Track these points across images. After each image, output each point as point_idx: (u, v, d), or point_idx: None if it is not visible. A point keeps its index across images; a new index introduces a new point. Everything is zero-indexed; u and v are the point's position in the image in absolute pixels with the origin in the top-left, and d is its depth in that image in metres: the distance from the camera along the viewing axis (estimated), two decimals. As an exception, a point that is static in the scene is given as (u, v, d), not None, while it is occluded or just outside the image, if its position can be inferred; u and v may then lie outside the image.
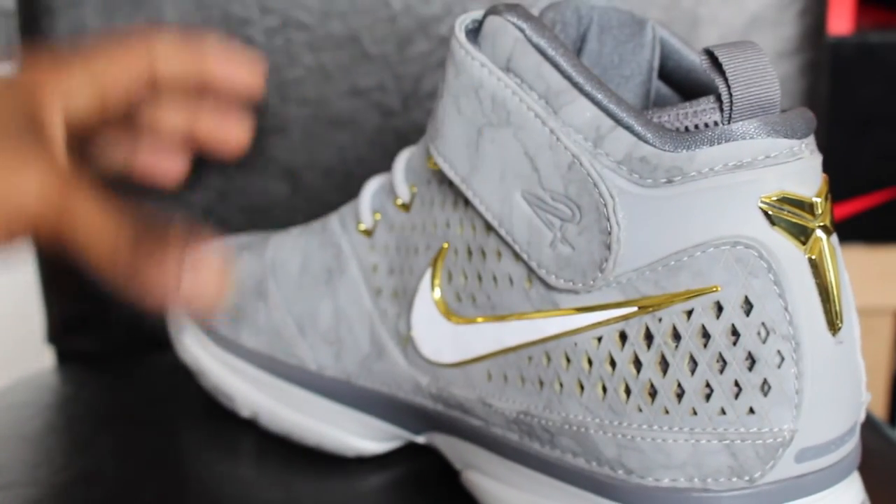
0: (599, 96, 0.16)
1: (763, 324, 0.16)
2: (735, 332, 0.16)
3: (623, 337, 0.16)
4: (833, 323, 0.16)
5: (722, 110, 0.16)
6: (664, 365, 0.16)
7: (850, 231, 0.42)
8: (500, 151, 0.17)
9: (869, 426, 0.21)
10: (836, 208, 0.43)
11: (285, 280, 0.22)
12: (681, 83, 0.19)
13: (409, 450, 0.22)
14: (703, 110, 0.16)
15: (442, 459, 0.21)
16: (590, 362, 0.17)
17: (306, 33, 0.27)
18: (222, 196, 0.28)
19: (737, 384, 0.16)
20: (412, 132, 0.27)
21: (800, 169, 0.16)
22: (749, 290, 0.16)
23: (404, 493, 0.21)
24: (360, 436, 0.21)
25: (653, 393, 0.16)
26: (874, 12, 0.48)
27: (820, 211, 0.16)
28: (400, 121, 0.27)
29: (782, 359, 0.16)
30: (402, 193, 0.20)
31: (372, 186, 0.21)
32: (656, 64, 0.19)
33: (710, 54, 0.15)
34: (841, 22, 0.44)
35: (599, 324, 0.16)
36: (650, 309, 0.16)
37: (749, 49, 0.15)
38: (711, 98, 0.16)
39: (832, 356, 0.16)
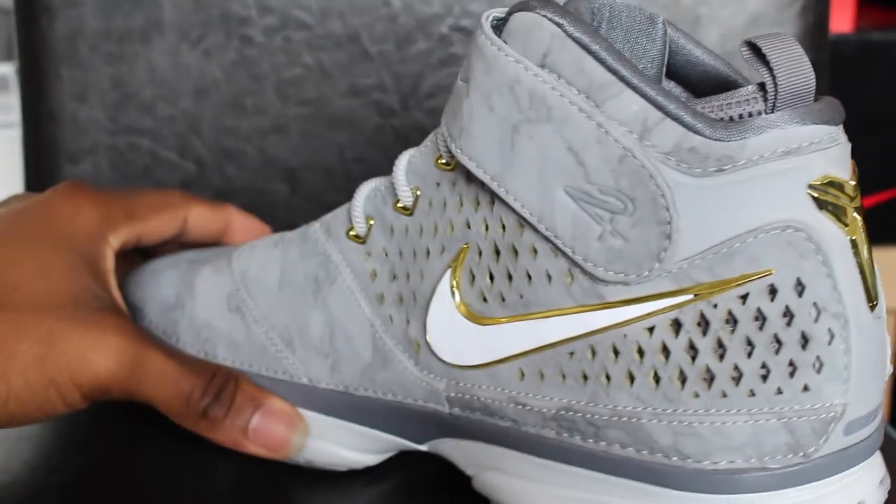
0: (647, 89, 0.16)
1: (815, 304, 0.16)
2: (789, 313, 0.16)
3: (677, 325, 0.17)
4: (871, 298, 0.17)
5: (766, 99, 0.16)
6: (721, 350, 0.17)
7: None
8: (540, 148, 0.17)
9: None
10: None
11: (263, 293, 0.21)
12: (688, 78, 0.19)
13: (398, 459, 0.21)
14: (746, 100, 0.16)
15: (434, 468, 0.21)
16: (641, 353, 0.17)
17: (306, 32, 0.27)
18: (222, 196, 0.28)
19: (791, 363, 0.16)
20: (411, 131, 0.27)
21: (840, 154, 0.16)
22: (801, 272, 0.16)
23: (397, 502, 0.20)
24: (353, 449, 0.21)
25: (709, 378, 0.17)
26: (874, 12, 0.49)
27: (854, 193, 0.17)
28: (399, 120, 0.27)
29: (832, 336, 0.16)
30: (403, 196, 0.19)
31: (364, 191, 0.20)
32: (666, 59, 0.19)
33: (752, 45, 0.16)
34: (841, 22, 0.45)
35: (651, 314, 0.17)
36: (705, 296, 0.16)
37: (787, 40, 0.16)
38: (751, 88, 0.16)
39: (871, 330, 0.17)
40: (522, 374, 0.18)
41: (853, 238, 0.16)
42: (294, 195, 0.28)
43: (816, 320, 0.16)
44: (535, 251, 0.18)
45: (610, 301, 0.17)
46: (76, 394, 0.19)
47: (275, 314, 0.21)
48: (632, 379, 0.17)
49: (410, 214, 0.19)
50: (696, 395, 0.17)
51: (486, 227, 0.18)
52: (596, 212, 0.17)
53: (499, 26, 0.18)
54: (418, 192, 0.19)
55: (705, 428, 0.17)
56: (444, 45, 0.26)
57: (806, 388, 0.16)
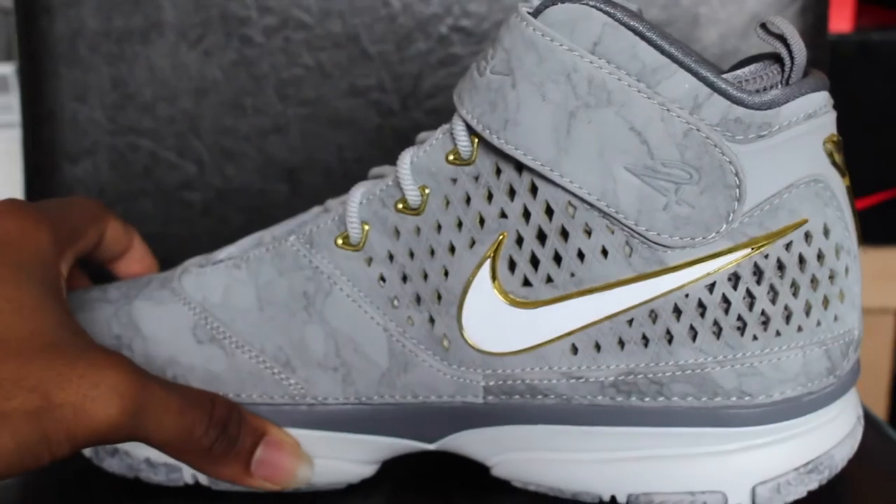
0: (698, 67, 0.18)
1: (836, 244, 0.19)
2: (821, 255, 0.19)
3: (735, 278, 0.19)
4: (861, 236, 0.20)
5: (783, 72, 0.18)
6: (773, 294, 0.19)
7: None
8: (599, 131, 0.18)
9: (869, 425, 0.22)
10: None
11: (240, 318, 0.20)
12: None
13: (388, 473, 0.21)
14: (764, 75, 0.19)
15: (423, 471, 0.21)
16: (703, 308, 0.19)
17: (305, 32, 0.27)
18: (222, 196, 0.28)
19: (825, 298, 0.19)
20: (411, 131, 0.27)
21: (833, 114, 0.19)
22: (826, 218, 0.19)
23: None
24: (357, 461, 0.21)
25: (765, 321, 0.19)
26: (874, 12, 0.48)
27: (841, 147, 0.19)
28: (399, 120, 0.26)
29: (847, 270, 0.19)
30: (411, 197, 0.19)
31: (356, 197, 0.20)
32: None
33: (766, 26, 0.18)
34: (841, 22, 0.44)
35: (713, 272, 0.18)
36: (759, 248, 0.18)
37: (785, 21, 0.18)
38: (755, 67, 0.19)
39: (860, 263, 0.20)
40: (575, 349, 0.19)
41: (847, 185, 0.19)
42: (294, 195, 0.27)
43: (838, 258, 0.19)
44: (589, 230, 0.19)
45: (671, 265, 0.18)
46: (66, 447, 0.17)
47: (261, 337, 0.20)
48: (694, 334, 0.19)
49: (419, 214, 0.19)
50: (755, 338, 0.19)
51: (526, 215, 0.19)
52: (660, 184, 0.18)
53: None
54: (427, 191, 0.19)
55: (765, 366, 0.19)
56: (444, 46, 0.26)
57: (836, 318, 0.19)
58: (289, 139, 0.27)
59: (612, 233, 0.19)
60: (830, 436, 0.20)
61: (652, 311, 0.19)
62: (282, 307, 0.20)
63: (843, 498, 0.20)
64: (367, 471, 0.21)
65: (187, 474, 0.20)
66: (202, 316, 0.20)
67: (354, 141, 0.27)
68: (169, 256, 0.24)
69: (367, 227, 0.20)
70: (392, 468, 0.21)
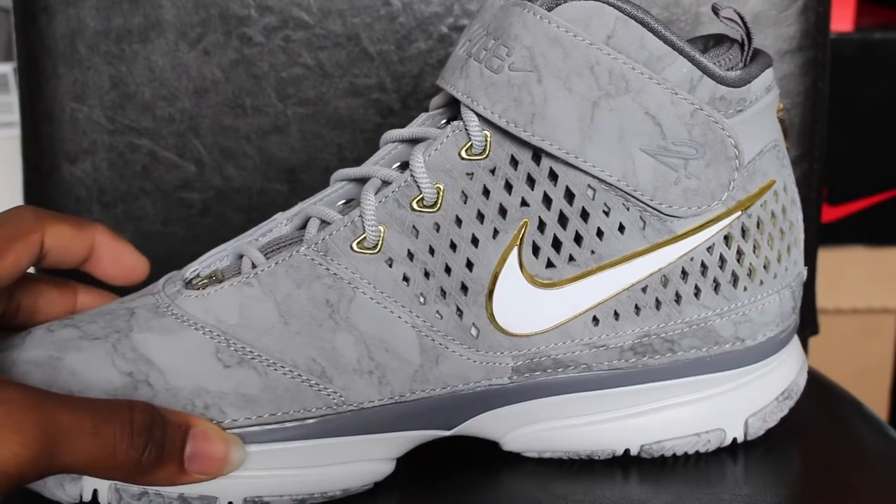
0: (693, 53, 0.20)
1: (791, 198, 0.22)
2: (784, 209, 0.22)
3: (727, 238, 0.21)
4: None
5: (742, 52, 0.21)
6: (756, 248, 0.21)
7: (851, 232, 0.38)
8: (619, 117, 0.20)
9: (870, 425, 0.23)
10: (837, 209, 0.38)
11: (266, 335, 0.20)
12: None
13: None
14: (728, 57, 0.21)
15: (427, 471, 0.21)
16: (704, 269, 0.21)
17: (305, 32, 0.26)
18: (222, 196, 0.27)
19: (788, 247, 0.22)
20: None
21: (777, 88, 0.22)
22: (784, 177, 0.22)
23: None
24: (385, 458, 0.21)
25: (751, 272, 0.21)
26: (874, 11, 0.46)
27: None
28: (399, 120, 0.26)
29: (797, 219, 0.22)
30: (428, 194, 0.20)
31: (372, 200, 0.20)
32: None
33: (720, 11, 0.21)
34: (842, 21, 0.42)
35: (712, 236, 0.21)
36: (745, 210, 0.21)
37: (732, 7, 0.21)
38: (724, 47, 0.21)
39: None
40: (596, 321, 0.21)
41: (787, 147, 0.22)
42: (294, 195, 0.27)
43: (792, 210, 0.22)
44: (608, 209, 0.20)
45: (679, 234, 0.20)
46: None
47: (292, 351, 0.20)
48: (698, 292, 0.21)
49: (436, 210, 0.20)
50: (745, 289, 0.21)
51: (547, 200, 0.20)
52: (671, 161, 0.20)
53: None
54: (441, 187, 0.20)
55: (754, 312, 0.21)
56: (444, 45, 0.26)
57: (795, 263, 0.22)
58: (289, 139, 0.27)
59: (628, 209, 0.20)
60: (793, 365, 0.23)
61: (664, 277, 0.21)
62: (307, 319, 0.20)
63: (844, 498, 0.21)
64: (392, 466, 0.21)
65: (234, 499, 0.20)
66: (222, 339, 0.20)
67: (354, 141, 0.27)
68: (169, 257, 0.24)
69: (383, 229, 0.20)
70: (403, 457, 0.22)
